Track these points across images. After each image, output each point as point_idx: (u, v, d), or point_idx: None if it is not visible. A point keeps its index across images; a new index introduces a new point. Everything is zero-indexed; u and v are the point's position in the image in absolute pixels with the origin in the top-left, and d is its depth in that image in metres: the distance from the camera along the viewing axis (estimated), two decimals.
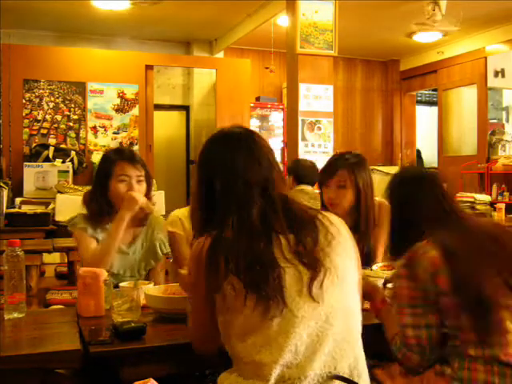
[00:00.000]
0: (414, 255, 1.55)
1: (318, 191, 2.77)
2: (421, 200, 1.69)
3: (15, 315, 1.77)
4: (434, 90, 8.54)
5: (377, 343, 1.67)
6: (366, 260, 2.40)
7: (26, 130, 6.16)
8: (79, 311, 1.83)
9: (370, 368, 1.67)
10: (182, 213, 2.49)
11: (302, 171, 4.09)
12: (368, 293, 1.75)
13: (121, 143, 6.51)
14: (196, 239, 1.43)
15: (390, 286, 1.86)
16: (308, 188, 4.03)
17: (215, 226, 1.40)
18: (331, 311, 1.32)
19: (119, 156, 2.27)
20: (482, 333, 1.48)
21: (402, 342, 1.56)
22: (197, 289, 1.42)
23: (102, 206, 2.25)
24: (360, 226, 2.35)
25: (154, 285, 2.23)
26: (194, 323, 1.51)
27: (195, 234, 1.48)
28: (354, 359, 1.33)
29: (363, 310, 1.78)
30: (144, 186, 2.30)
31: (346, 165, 2.34)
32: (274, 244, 1.34)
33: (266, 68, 7.10)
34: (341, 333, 1.32)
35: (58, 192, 5.20)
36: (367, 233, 2.41)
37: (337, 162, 2.38)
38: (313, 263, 1.33)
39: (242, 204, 1.38)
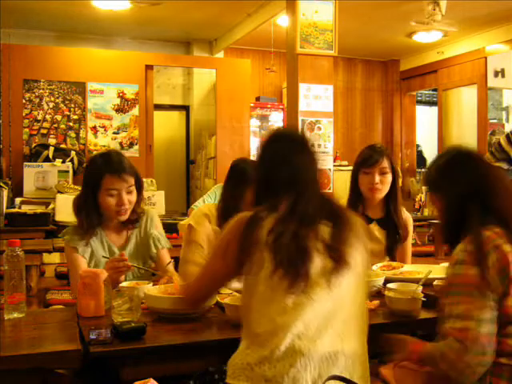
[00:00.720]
0: (483, 244, 1.46)
1: None
2: (488, 174, 1.61)
3: (15, 315, 1.77)
4: (434, 89, 8.53)
5: (377, 343, 1.67)
6: (391, 252, 2.53)
7: (26, 130, 6.16)
8: (79, 311, 1.84)
9: (371, 367, 1.67)
10: (209, 208, 2.49)
11: None
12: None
13: (121, 143, 6.51)
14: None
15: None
16: None
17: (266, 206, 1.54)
18: (343, 299, 1.45)
19: (107, 168, 2.19)
20: None
21: (455, 339, 1.42)
22: (225, 250, 1.55)
23: (92, 217, 2.22)
24: (396, 211, 2.61)
25: (163, 270, 2.25)
26: (199, 282, 1.66)
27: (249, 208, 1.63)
28: (359, 344, 1.44)
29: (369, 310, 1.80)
30: (134, 194, 2.24)
31: (385, 153, 2.62)
32: (314, 232, 1.47)
33: (267, 69, 7.08)
34: (349, 318, 1.45)
35: (58, 192, 5.20)
36: (401, 219, 2.63)
37: (377, 151, 2.62)
38: (339, 259, 1.46)
39: (300, 194, 1.55)
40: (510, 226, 1.50)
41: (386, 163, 2.58)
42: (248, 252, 1.47)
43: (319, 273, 1.43)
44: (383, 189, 2.58)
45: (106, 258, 2.17)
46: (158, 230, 2.39)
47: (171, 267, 2.32)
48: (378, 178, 2.55)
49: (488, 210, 1.54)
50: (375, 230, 2.63)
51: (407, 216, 2.69)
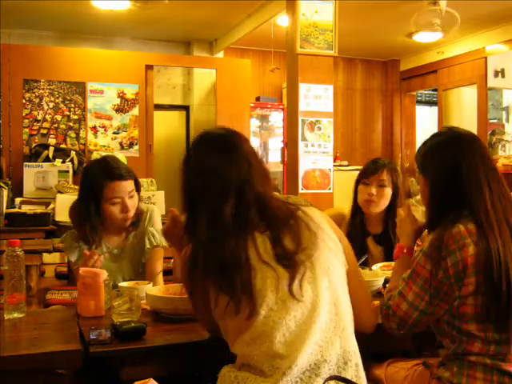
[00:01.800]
0: (448, 242, 1.46)
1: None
2: (470, 164, 1.52)
3: (15, 315, 1.77)
4: (434, 89, 8.53)
5: (377, 343, 1.67)
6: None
7: (26, 130, 6.15)
8: (79, 311, 1.84)
9: (370, 368, 1.67)
10: None
11: None
12: (405, 231, 1.75)
13: (121, 143, 6.50)
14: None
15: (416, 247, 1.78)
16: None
17: (195, 230, 1.43)
18: (316, 304, 1.34)
19: (107, 176, 2.12)
20: (498, 341, 1.45)
21: (391, 305, 1.56)
22: (190, 295, 1.49)
23: (97, 229, 2.17)
24: (393, 228, 2.41)
25: (151, 275, 2.21)
26: (199, 321, 1.60)
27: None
28: (341, 348, 1.34)
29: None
30: (136, 197, 2.20)
31: (387, 166, 2.53)
32: (248, 243, 1.36)
33: (271, 70, 7.05)
34: (328, 323, 1.34)
35: (58, 192, 5.20)
36: (396, 238, 2.50)
37: (378, 163, 2.55)
38: (292, 265, 1.34)
39: (215, 204, 1.39)
40: (484, 225, 1.47)
41: (385, 176, 2.51)
42: (200, 292, 1.42)
43: (272, 283, 1.33)
44: (379, 202, 2.51)
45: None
46: (155, 227, 2.33)
47: (160, 279, 2.27)
48: (374, 190, 2.49)
49: (467, 203, 1.50)
50: (371, 244, 2.58)
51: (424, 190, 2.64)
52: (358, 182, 2.60)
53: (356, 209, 2.61)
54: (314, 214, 1.46)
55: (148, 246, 2.28)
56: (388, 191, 2.52)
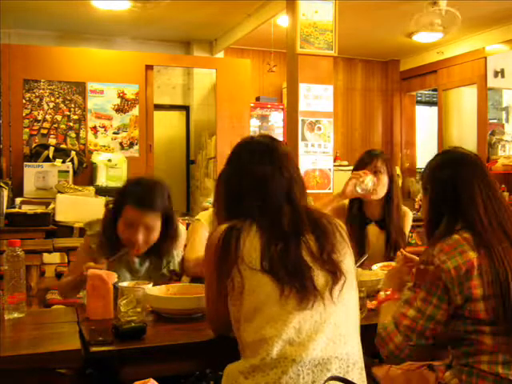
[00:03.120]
0: (450, 249, 1.49)
1: None
2: (465, 181, 1.60)
3: (15, 315, 1.77)
4: (434, 90, 8.53)
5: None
6: (393, 253, 2.53)
7: (26, 130, 6.15)
8: (87, 314, 1.82)
9: (370, 367, 1.67)
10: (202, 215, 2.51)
11: None
12: (396, 281, 1.78)
13: (121, 143, 6.50)
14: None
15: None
16: None
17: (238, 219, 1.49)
18: (337, 304, 1.43)
19: (131, 198, 2.05)
20: (506, 351, 1.44)
21: (394, 318, 1.53)
22: (210, 277, 1.51)
23: (112, 240, 2.09)
24: (392, 215, 2.64)
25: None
26: (208, 312, 1.58)
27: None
28: (352, 347, 1.41)
29: (369, 310, 1.80)
30: (155, 233, 2.07)
31: (380, 155, 2.70)
32: (302, 248, 1.46)
33: (269, 70, 7.03)
34: (343, 323, 1.41)
35: (58, 192, 5.20)
36: (398, 222, 2.66)
37: (371, 153, 2.72)
38: (334, 270, 1.45)
39: (273, 212, 1.50)
40: (481, 234, 1.51)
41: (379, 164, 2.64)
42: (228, 273, 1.43)
43: (322, 287, 1.42)
44: (377, 190, 2.62)
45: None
46: (177, 251, 2.25)
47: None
48: None
49: (461, 216, 1.57)
50: (375, 230, 2.65)
51: (405, 211, 2.74)
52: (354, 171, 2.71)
53: (354, 199, 2.70)
54: (338, 222, 1.58)
55: (164, 271, 2.21)
56: (384, 178, 2.64)
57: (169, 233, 2.14)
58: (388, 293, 1.75)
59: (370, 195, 2.61)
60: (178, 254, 2.26)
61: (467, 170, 1.62)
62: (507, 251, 1.49)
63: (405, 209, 2.76)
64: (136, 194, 2.06)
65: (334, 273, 1.44)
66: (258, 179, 1.53)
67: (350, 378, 1.35)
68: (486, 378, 1.43)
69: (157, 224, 2.08)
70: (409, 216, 2.75)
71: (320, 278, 1.42)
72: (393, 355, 1.52)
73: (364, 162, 2.67)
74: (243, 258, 1.41)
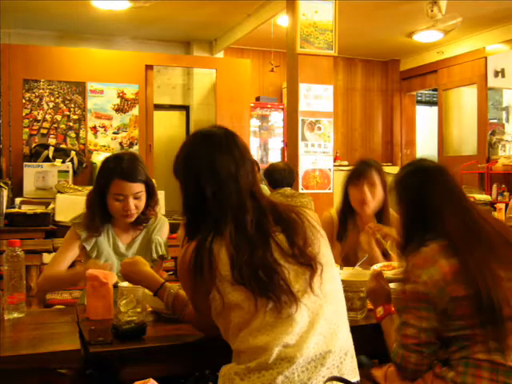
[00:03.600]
0: (422, 262, 1.53)
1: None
2: (434, 189, 1.65)
3: (15, 315, 1.77)
4: (434, 89, 8.53)
5: (377, 343, 1.67)
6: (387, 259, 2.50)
7: (26, 129, 6.15)
8: (87, 314, 1.82)
9: (370, 368, 1.67)
10: None
11: (276, 175, 4.12)
12: (382, 296, 1.77)
13: (121, 143, 6.50)
14: (185, 245, 1.48)
15: (393, 286, 1.86)
16: (286, 190, 4.03)
17: (204, 232, 1.43)
18: (325, 297, 1.42)
19: (116, 173, 2.17)
20: (495, 338, 1.47)
21: (399, 342, 1.56)
22: (191, 297, 1.50)
23: (99, 216, 2.21)
24: (387, 223, 2.55)
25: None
26: (196, 321, 1.58)
27: (184, 240, 1.50)
28: (343, 338, 1.41)
29: (369, 309, 1.80)
30: (143, 200, 2.23)
31: (373, 166, 2.61)
32: (271, 248, 1.41)
33: (271, 70, 7.01)
34: (331, 315, 1.40)
35: (58, 192, 5.19)
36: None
37: (365, 164, 2.63)
38: (309, 262, 1.41)
39: (236, 212, 1.42)
40: (452, 243, 1.55)
41: (374, 176, 2.57)
42: (208, 292, 1.40)
43: (296, 282, 1.38)
44: (374, 203, 2.57)
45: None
46: (162, 238, 2.37)
47: None
48: (366, 191, 2.55)
49: (432, 227, 1.61)
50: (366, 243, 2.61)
51: (395, 216, 2.65)
52: (347, 184, 2.64)
53: (346, 210, 2.65)
54: (309, 213, 1.52)
55: (154, 255, 2.32)
56: (379, 190, 2.57)
57: (152, 199, 2.30)
58: (380, 310, 1.76)
59: (364, 208, 2.56)
60: (165, 241, 2.37)
61: (430, 182, 1.67)
62: (481, 256, 1.53)
63: (395, 214, 2.71)
64: (121, 169, 2.17)
65: (310, 265, 1.40)
66: (221, 177, 1.44)
67: (343, 369, 1.37)
68: (482, 367, 1.46)
69: (143, 191, 2.23)
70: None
71: (295, 275, 1.39)
72: (418, 373, 1.55)
73: (358, 175, 2.59)
74: (220, 274, 1.38)
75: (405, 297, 1.56)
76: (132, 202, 2.18)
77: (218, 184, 1.43)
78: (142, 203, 2.24)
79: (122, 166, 2.19)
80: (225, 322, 1.41)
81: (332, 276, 1.46)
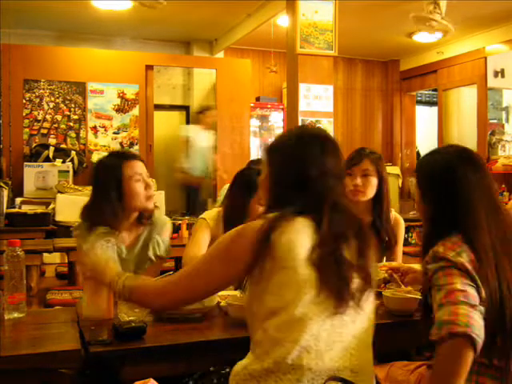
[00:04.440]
0: (453, 246, 1.44)
1: None
2: (466, 188, 1.51)
3: (15, 315, 1.77)
4: (434, 90, 8.53)
5: (377, 343, 1.67)
6: (383, 256, 2.47)
7: (26, 130, 6.16)
8: (87, 313, 1.82)
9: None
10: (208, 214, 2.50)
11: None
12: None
13: (121, 143, 6.51)
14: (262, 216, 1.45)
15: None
16: None
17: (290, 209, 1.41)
18: (359, 314, 1.39)
19: (124, 157, 2.16)
20: (501, 354, 1.42)
21: (442, 305, 1.37)
22: (230, 257, 1.41)
23: (117, 212, 2.12)
24: (381, 216, 2.52)
25: None
26: (189, 283, 1.48)
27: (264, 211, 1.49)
28: (367, 359, 1.39)
29: None
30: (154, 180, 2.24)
31: (370, 156, 2.55)
32: (347, 250, 1.40)
33: (269, 69, 7.04)
34: (361, 332, 1.38)
35: (58, 192, 5.20)
36: (388, 225, 2.54)
37: (361, 153, 2.57)
38: (367, 278, 1.41)
39: (334, 203, 1.42)
40: (471, 240, 1.45)
41: (368, 165, 2.51)
42: (262, 260, 1.35)
43: (354, 294, 1.38)
44: (366, 192, 2.50)
45: None
46: (163, 238, 2.32)
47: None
48: (359, 180, 2.50)
49: (457, 220, 1.50)
50: None
51: (397, 218, 2.62)
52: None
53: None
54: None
55: (150, 254, 2.26)
56: (373, 180, 2.51)
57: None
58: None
59: (357, 196, 2.50)
60: (163, 240, 2.31)
61: (469, 174, 1.52)
62: (501, 267, 1.44)
63: (397, 216, 2.64)
64: (123, 153, 2.20)
65: (366, 280, 1.40)
66: (326, 171, 1.45)
67: None
68: (486, 375, 1.44)
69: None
70: (401, 224, 2.62)
71: (355, 284, 1.38)
72: (472, 336, 1.30)
73: (352, 163, 2.53)
74: (287, 251, 1.34)
75: (449, 287, 1.39)
76: (149, 182, 2.15)
77: (321, 175, 1.44)
78: (155, 185, 2.23)
79: (124, 151, 2.21)
80: (259, 300, 1.36)
81: (372, 295, 1.44)
